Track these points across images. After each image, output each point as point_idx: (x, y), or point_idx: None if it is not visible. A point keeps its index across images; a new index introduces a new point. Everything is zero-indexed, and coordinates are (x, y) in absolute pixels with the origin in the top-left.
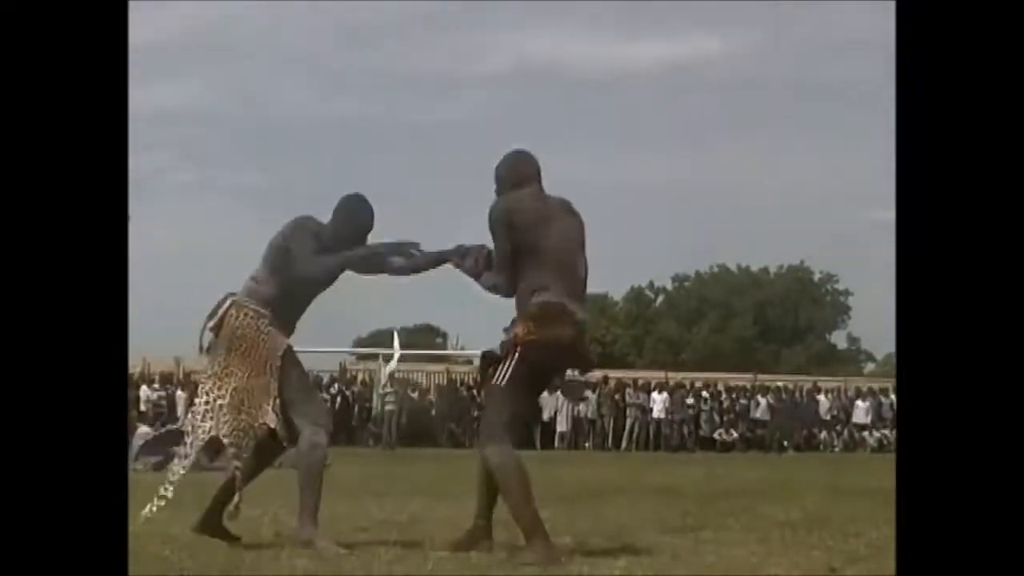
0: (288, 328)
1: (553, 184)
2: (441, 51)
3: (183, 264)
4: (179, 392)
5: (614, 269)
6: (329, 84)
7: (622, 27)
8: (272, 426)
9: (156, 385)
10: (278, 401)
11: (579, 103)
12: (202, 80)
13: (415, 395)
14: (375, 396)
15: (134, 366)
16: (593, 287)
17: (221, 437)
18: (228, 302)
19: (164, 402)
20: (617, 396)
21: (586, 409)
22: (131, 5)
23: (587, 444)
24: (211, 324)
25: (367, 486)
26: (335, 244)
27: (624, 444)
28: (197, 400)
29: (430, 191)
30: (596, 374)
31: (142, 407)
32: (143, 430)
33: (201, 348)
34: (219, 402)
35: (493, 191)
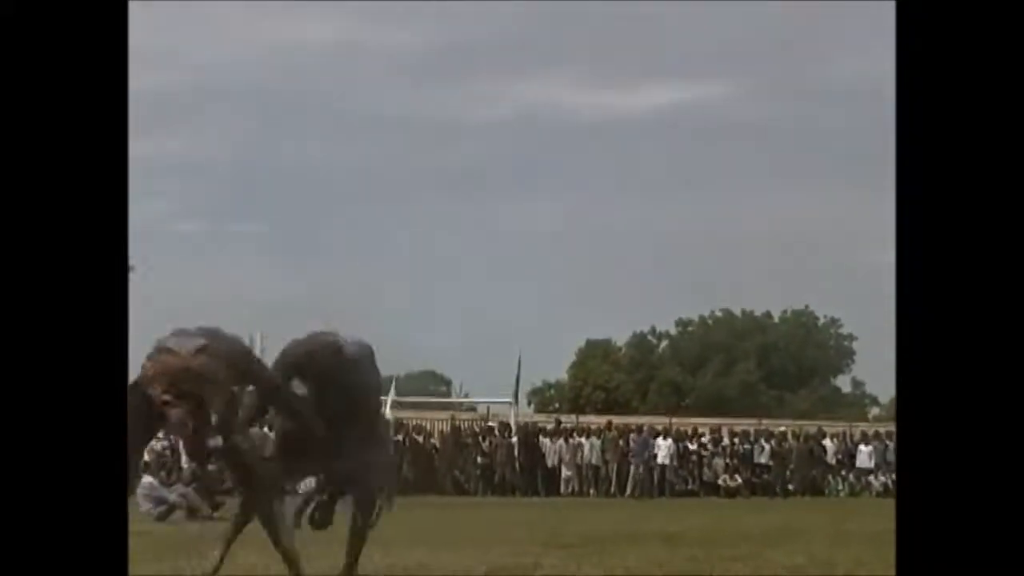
0: None
1: (556, 230)
2: (441, 98)
3: (188, 312)
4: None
5: (617, 315)
6: (329, 132)
7: (622, 74)
8: None
9: (160, 435)
10: None
11: (579, 149)
12: (200, 130)
13: (420, 439)
14: None
15: None
16: (596, 333)
17: None
18: None
19: (168, 452)
20: (621, 442)
21: (590, 455)
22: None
23: (592, 491)
24: None
25: (372, 534)
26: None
27: (629, 490)
28: None
29: (429, 238)
30: (600, 420)
31: (146, 457)
32: (147, 480)
33: None
34: None
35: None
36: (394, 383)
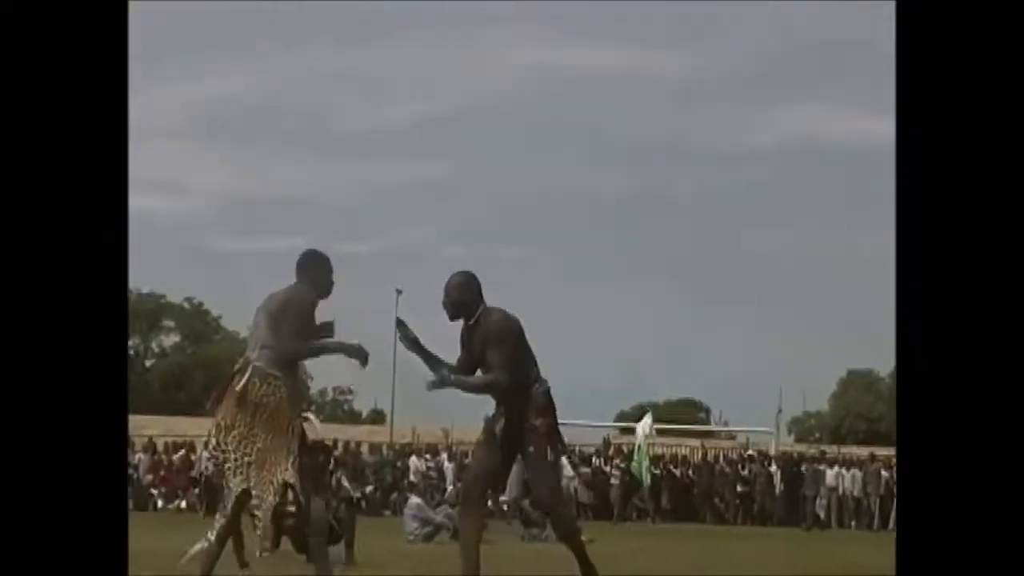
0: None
1: (823, 256)
2: (704, 125)
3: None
4: (447, 463)
5: (880, 345)
6: (589, 156)
7: (873, 99)
8: (291, 481)
9: (427, 456)
10: (295, 459)
11: (840, 176)
12: (464, 155)
13: (676, 470)
14: (635, 469)
15: (404, 436)
16: (859, 363)
17: (251, 490)
18: (249, 370)
19: (434, 473)
20: (885, 474)
21: (851, 487)
22: (393, 81)
23: (852, 523)
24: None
25: (631, 563)
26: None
27: (891, 524)
28: (227, 458)
29: (686, 264)
30: (863, 451)
31: (412, 478)
32: (414, 501)
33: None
34: (246, 459)
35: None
36: (649, 412)
